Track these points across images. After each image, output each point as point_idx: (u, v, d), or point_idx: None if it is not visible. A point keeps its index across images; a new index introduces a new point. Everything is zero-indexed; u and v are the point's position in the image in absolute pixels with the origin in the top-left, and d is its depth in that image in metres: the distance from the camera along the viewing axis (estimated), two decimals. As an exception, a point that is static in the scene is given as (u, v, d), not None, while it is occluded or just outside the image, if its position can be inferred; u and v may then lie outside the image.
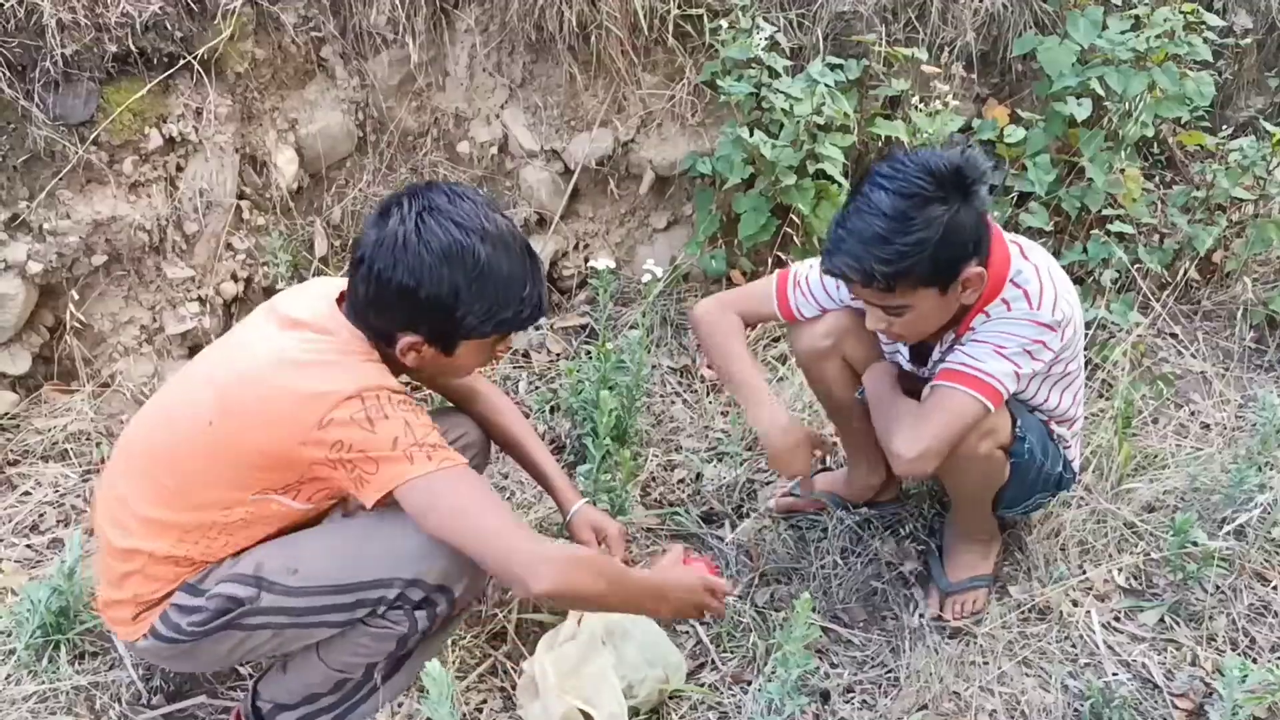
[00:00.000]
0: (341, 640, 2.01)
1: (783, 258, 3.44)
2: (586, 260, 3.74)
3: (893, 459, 2.25)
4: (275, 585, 1.93)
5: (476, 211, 1.86)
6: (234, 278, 3.29)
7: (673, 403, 3.33)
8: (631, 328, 3.44)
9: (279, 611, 1.94)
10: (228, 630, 1.96)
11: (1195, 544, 2.59)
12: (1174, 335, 3.65)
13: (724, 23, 3.33)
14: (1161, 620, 2.57)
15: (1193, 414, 3.30)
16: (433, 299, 1.83)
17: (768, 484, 2.96)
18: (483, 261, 1.84)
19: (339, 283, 2.02)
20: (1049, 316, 2.18)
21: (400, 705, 2.21)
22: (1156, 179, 3.99)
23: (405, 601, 1.96)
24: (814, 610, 2.21)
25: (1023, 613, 2.56)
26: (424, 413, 1.89)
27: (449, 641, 2.33)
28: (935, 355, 2.39)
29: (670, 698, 2.35)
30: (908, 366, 2.50)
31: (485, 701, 2.32)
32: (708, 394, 3.33)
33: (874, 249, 2.05)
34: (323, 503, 2.00)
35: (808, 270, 2.47)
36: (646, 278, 3.14)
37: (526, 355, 3.52)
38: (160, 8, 2.94)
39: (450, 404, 2.38)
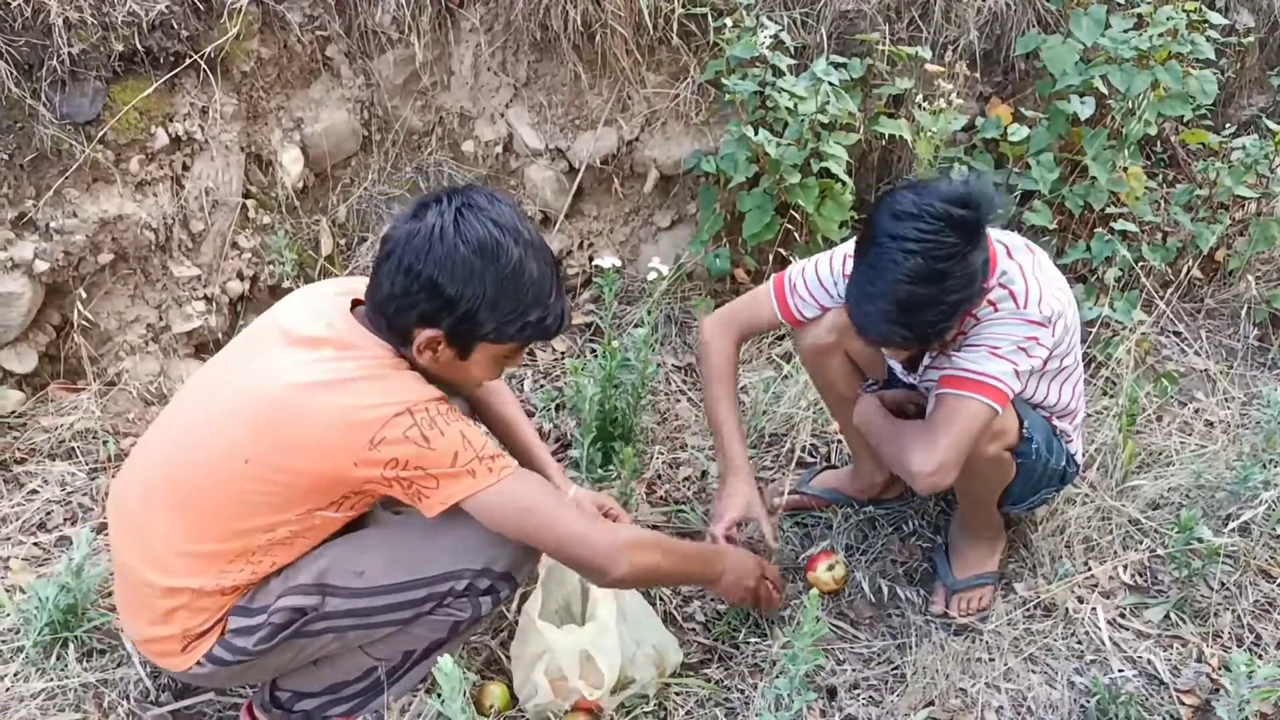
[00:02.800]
0: (396, 632, 2.02)
1: (786, 255, 3.44)
2: (591, 259, 3.75)
3: (912, 479, 2.24)
4: (341, 589, 1.94)
5: (514, 215, 1.87)
6: (240, 276, 3.30)
7: (678, 400, 3.34)
8: (636, 326, 3.45)
9: (345, 615, 1.96)
10: (292, 640, 1.97)
11: (1200, 540, 2.60)
12: (1177, 333, 3.65)
13: (728, 21, 3.33)
14: (1167, 617, 2.58)
15: (1197, 411, 3.31)
16: (460, 295, 1.81)
17: (772, 481, 2.97)
18: (515, 261, 1.83)
19: (332, 288, 2.01)
20: (1037, 314, 2.18)
21: (411, 704, 2.21)
22: (1159, 177, 4.00)
23: (472, 590, 1.99)
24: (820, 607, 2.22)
25: (1028, 609, 2.56)
26: (473, 421, 1.91)
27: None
28: (926, 361, 2.40)
29: (676, 693, 2.36)
30: (901, 373, 2.51)
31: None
32: (712, 392, 3.32)
33: (922, 315, 2.03)
34: (363, 509, 2.00)
35: (801, 272, 2.46)
36: (651, 276, 3.14)
37: (531, 353, 3.52)
38: (166, 7, 2.94)
39: None
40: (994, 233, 2.23)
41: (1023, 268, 2.22)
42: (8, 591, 2.44)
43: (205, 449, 1.88)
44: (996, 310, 2.21)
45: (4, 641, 2.36)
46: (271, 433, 1.81)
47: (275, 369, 1.85)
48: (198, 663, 1.98)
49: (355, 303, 1.96)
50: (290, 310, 1.98)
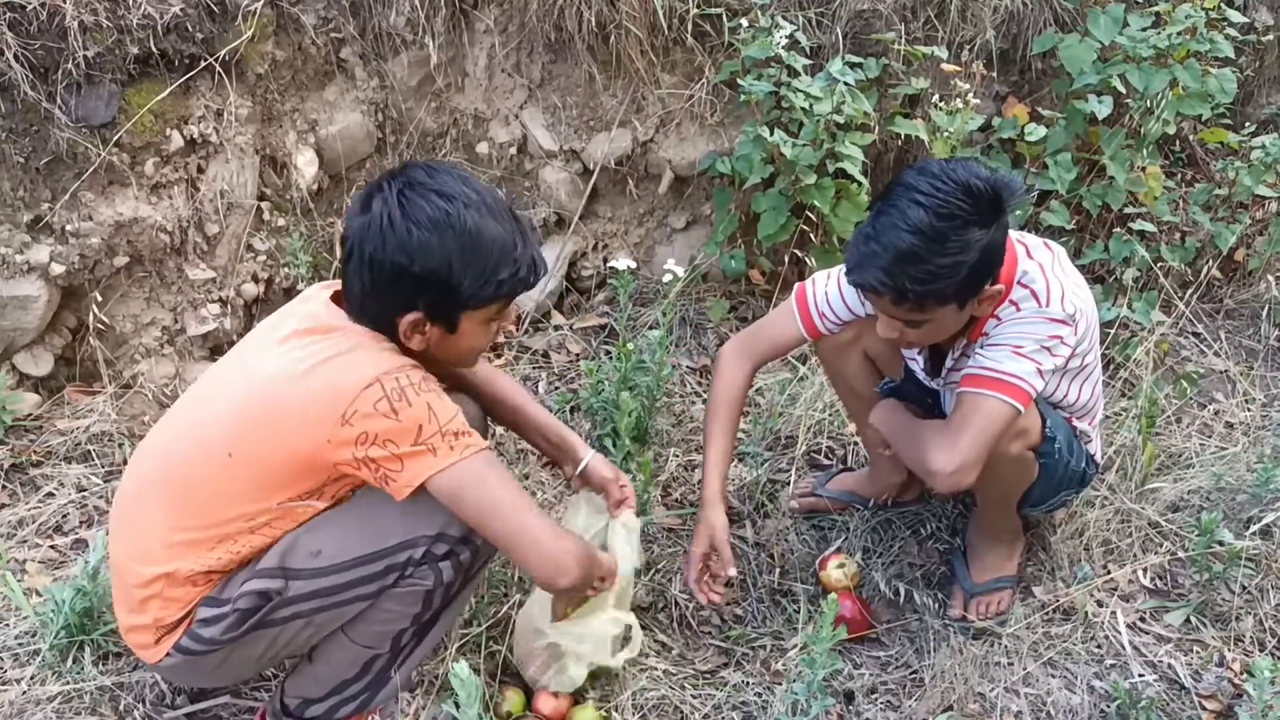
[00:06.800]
0: (369, 613, 2.01)
1: (801, 256, 3.43)
2: (605, 260, 3.74)
3: (932, 478, 2.22)
4: (302, 571, 1.93)
5: (456, 181, 1.87)
6: (255, 279, 3.30)
7: (693, 403, 3.33)
8: (651, 328, 3.44)
9: (309, 597, 1.95)
10: (259, 630, 1.96)
11: (1221, 544, 2.58)
12: (1197, 334, 3.63)
13: (743, 22, 3.32)
14: (1187, 621, 2.56)
15: (1216, 413, 3.28)
16: (428, 272, 1.82)
17: (788, 484, 2.95)
18: (470, 227, 1.84)
19: (315, 291, 2.02)
20: (1060, 311, 2.17)
21: (424, 709, 2.21)
22: (1178, 177, 3.97)
23: (430, 558, 1.97)
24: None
25: (1047, 613, 2.55)
26: (445, 393, 1.89)
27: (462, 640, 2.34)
28: (949, 363, 2.38)
29: (694, 696, 2.35)
30: (922, 376, 2.49)
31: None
32: (728, 394, 3.31)
33: (909, 267, 2.02)
34: (343, 495, 1.99)
35: (825, 289, 2.44)
36: (667, 278, 3.13)
37: (546, 356, 3.52)
38: (181, 9, 2.94)
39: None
40: (1013, 233, 2.22)
41: (1043, 266, 2.21)
42: (25, 595, 2.44)
43: (196, 447, 1.92)
44: (1019, 310, 2.19)
45: (21, 645, 2.36)
46: (252, 425, 1.85)
47: (260, 366, 1.89)
48: (167, 653, 1.99)
49: (337, 295, 1.98)
50: (285, 313, 2.02)
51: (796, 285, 2.50)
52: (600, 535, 2.32)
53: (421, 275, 1.83)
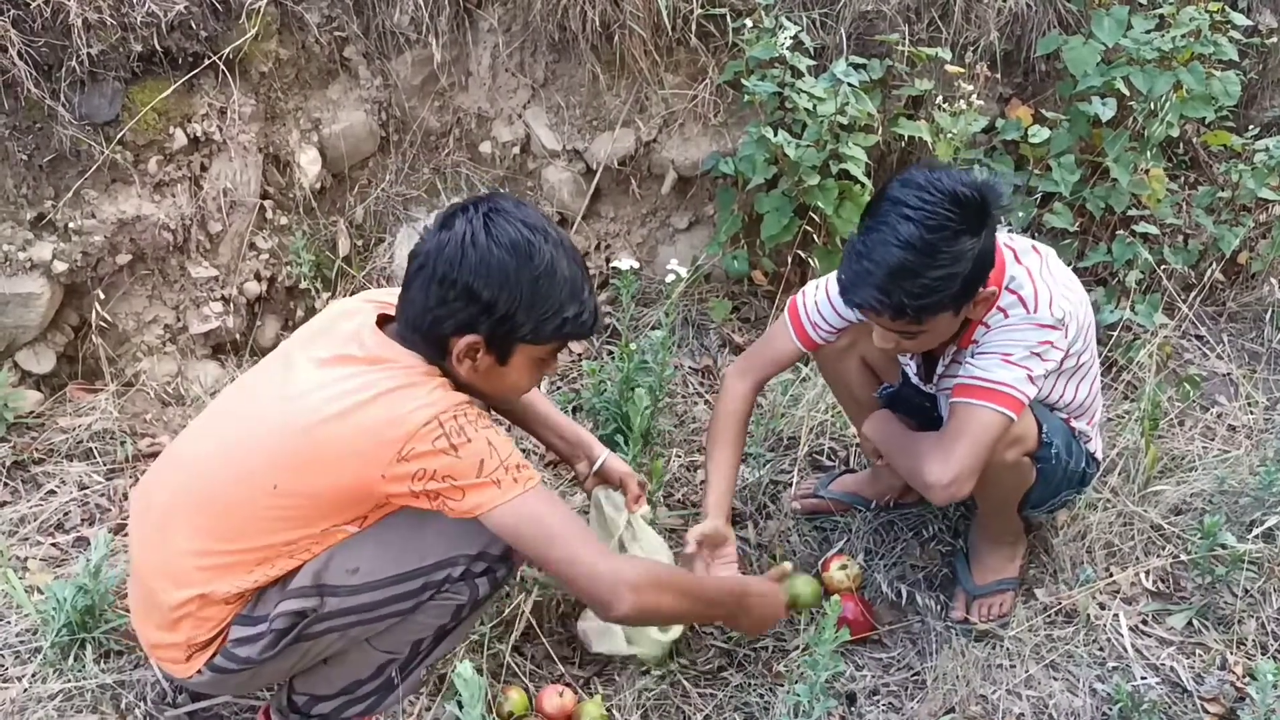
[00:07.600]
0: (398, 624, 2.01)
1: (804, 257, 3.43)
2: (608, 260, 3.74)
3: (928, 491, 2.21)
4: (338, 589, 1.92)
5: (539, 216, 1.89)
6: (257, 277, 3.30)
7: (695, 403, 3.33)
8: (654, 328, 3.44)
9: (345, 613, 1.94)
10: (294, 645, 1.95)
11: (1224, 546, 2.58)
12: (1200, 337, 3.62)
13: (747, 22, 3.32)
14: (1190, 624, 2.56)
15: (1219, 416, 3.28)
16: (498, 296, 1.82)
17: (790, 485, 2.95)
18: (547, 260, 1.84)
19: (363, 304, 2.00)
20: (1048, 317, 2.16)
21: (429, 710, 2.20)
22: (1181, 179, 3.97)
23: (468, 576, 1.97)
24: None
25: (1049, 615, 2.54)
26: (501, 428, 1.89)
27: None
28: (940, 369, 2.38)
29: (700, 694, 2.35)
30: (915, 379, 2.49)
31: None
32: (730, 394, 3.31)
33: (903, 283, 2.01)
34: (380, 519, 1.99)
35: (814, 298, 2.44)
36: (670, 278, 3.13)
37: (548, 355, 3.51)
38: (185, 7, 2.94)
39: None
40: (1000, 237, 2.21)
41: (1030, 271, 2.20)
42: (26, 592, 2.44)
43: (235, 471, 1.89)
44: (1007, 317, 2.19)
45: (22, 642, 2.36)
46: (299, 460, 1.83)
47: (305, 394, 1.85)
48: (198, 671, 1.98)
49: (383, 319, 1.96)
50: (325, 327, 1.99)
51: (789, 299, 2.50)
52: (625, 533, 2.34)
53: (490, 300, 1.82)
